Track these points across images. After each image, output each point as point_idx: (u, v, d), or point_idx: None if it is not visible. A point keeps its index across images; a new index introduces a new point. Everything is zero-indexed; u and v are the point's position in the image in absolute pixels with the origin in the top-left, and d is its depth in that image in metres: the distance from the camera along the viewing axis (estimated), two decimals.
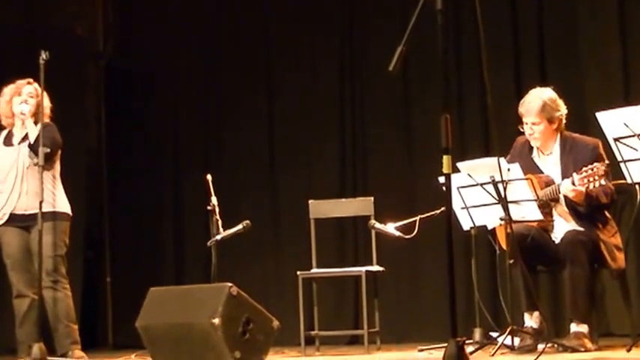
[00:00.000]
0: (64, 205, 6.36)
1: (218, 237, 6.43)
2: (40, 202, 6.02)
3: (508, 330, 5.58)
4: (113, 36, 9.65)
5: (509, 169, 5.58)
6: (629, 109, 5.39)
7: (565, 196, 5.75)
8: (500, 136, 5.59)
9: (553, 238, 5.86)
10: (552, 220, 5.88)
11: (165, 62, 9.27)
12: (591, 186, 5.53)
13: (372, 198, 7.18)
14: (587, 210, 5.75)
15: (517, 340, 5.62)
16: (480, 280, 6.48)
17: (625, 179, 5.50)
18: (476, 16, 4.54)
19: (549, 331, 6.12)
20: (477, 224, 5.94)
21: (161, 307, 5.84)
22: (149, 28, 9.36)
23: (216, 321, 5.50)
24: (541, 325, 5.83)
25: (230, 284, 5.67)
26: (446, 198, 4.27)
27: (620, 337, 6.61)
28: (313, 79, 8.77)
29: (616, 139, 5.38)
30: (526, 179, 5.64)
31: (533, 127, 5.87)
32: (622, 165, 5.42)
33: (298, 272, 6.97)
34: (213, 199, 6.44)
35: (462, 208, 5.88)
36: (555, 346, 5.64)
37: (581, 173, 5.54)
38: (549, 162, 5.94)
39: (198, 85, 9.20)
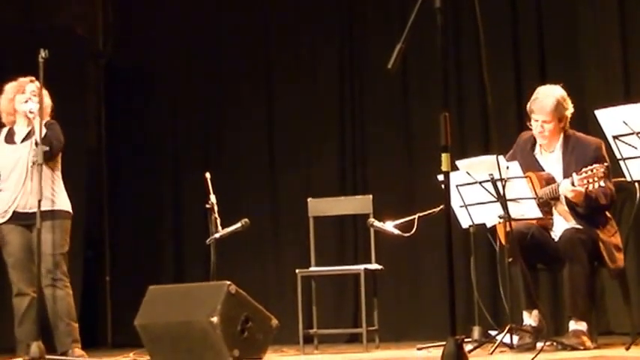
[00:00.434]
0: (65, 204, 6.35)
1: (217, 235, 6.43)
2: (39, 201, 6.01)
3: (507, 328, 5.58)
4: (113, 36, 9.66)
5: (507, 167, 5.58)
6: (628, 107, 5.38)
7: (564, 196, 5.75)
8: (499, 136, 5.59)
9: (553, 236, 5.86)
10: (552, 218, 5.88)
11: (165, 62, 9.27)
12: (591, 187, 5.53)
13: (371, 196, 7.18)
14: (586, 211, 5.75)
15: (516, 339, 5.61)
16: (478, 278, 6.46)
17: (624, 177, 5.50)
18: (475, 15, 4.53)
19: (548, 330, 6.11)
20: (475, 222, 5.94)
21: (160, 306, 5.84)
22: (149, 27, 9.37)
23: (215, 319, 5.50)
24: (540, 324, 5.83)
25: (229, 283, 5.68)
26: (445, 196, 4.26)
27: (620, 335, 6.61)
28: (313, 79, 8.78)
29: (615, 137, 5.37)
30: (525, 177, 5.64)
31: (544, 125, 5.84)
32: (621, 163, 5.42)
33: (297, 270, 6.97)
34: (212, 197, 6.44)
35: (461, 206, 5.88)
36: (554, 344, 5.63)
37: (581, 174, 5.53)
38: (551, 160, 5.93)
39: (198, 85, 9.21)
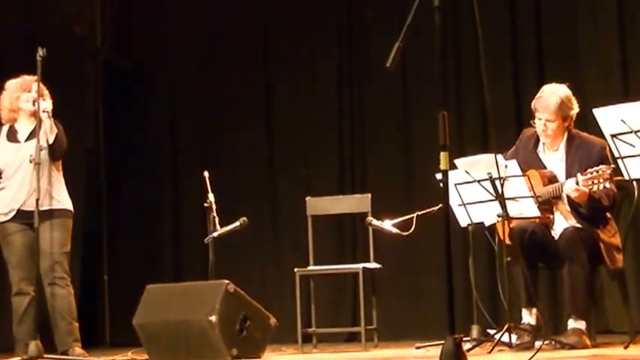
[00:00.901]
0: (67, 203, 6.35)
1: (215, 234, 6.42)
2: (37, 200, 6.01)
3: (506, 327, 5.57)
4: (111, 35, 9.65)
5: (506, 166, 5.57)
6: (626, 106, 5.38)
7: (567, 196, 5.75)
8: (498, 135, 5.58)
9: (553, 235, 5.86)
10: (552, 217, 5.87)
11: (164, 61, 9.28)
12: (595, 188, 5.52)
13: (370, 195, 7.18)
14: (588, 211, 5.74)
15: (515, 337, 5.61)
16: (477, 277, 6.47)
17: (622, 176, 5.50)
18: (474, 14, 4.53)
19: (547, 328, 6.11)
20: (474, 221, 5.94)
21: (158, 305, 5.84)
22: (147, 27, 9.37)
23: (214, 318, 5.51)
24: (539, 322, 5.82)
25: (227, 281, 5.68)
26: (443, 195, 4.26)
27: (618, 334, 6.61)
28: (312, 79, 8.78)
29: (613, 136, 5.37)
30: (524, 176, 5.63)
31: (547, 123, 5.83)
32: (619, 161, 5.42)
33: (295, 269, 6.97)
34: (211, 196, 6.44)
35: (460, 205, 5.88)
36: (553, 343, 5.62)
37: (586, 174, 5.53)
38: (554, 158, 5.93)
39: (197, 85, 9.21)
